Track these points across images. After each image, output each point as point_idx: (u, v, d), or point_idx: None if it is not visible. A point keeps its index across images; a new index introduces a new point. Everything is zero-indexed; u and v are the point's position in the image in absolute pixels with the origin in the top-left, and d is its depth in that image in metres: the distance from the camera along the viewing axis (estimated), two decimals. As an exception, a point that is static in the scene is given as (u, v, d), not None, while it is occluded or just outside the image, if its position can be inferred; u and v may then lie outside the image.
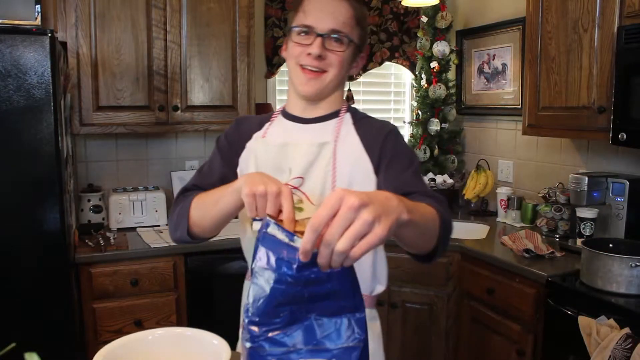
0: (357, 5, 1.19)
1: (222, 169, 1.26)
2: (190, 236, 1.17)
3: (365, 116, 1.28)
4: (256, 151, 1.23)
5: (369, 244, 0.64)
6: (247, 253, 1.25)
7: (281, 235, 0.71)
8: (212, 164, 1.28)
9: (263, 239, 0.72)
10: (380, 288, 1.25)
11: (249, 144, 1.25)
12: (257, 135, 1.26)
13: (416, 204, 0.85)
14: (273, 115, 1.30)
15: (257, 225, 0.80)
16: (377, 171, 1.17)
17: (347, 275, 0.72)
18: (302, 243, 0.65)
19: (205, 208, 1.12)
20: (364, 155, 1.18)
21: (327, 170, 1.15)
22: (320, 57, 1.14)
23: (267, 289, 0.73)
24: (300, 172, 1.16)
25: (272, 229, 0.72)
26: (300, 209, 1.13)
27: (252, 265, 0.76)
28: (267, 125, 1.27)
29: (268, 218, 0.74)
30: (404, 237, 0.86)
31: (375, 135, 1.19)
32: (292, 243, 0.70)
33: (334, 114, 1.25)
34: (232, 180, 1.08)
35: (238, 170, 1.25)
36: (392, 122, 1.29)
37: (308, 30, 1.15)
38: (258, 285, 0.74)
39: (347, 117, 1.24)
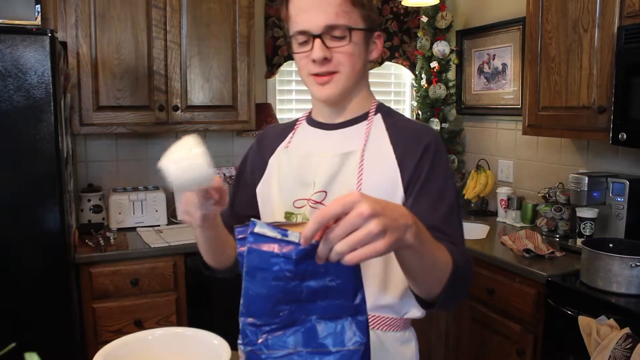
0: None
1: (234, 202, 1.23)
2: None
3: (399, 117, 1.15)
4: (279, 163, 1.15)
5: (365, 255, 0.64)
6: None
7: (271, 233, 0.71)
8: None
9: (251, 239, 0.72)
10: (415, 312, 1.09)
11: (271, 160, 1.17)
12: (280, 147, 1.18)
13: (435, 241, 0.81)
14: (297, 123, 1.21)
15: (238, 233, 0.79)
16: (405, 190, 1.03)
17: (346, 272, 0.72)
18: (303, 230, 0.67)
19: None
20: (394, 166, 1.04)
21: (352, 183, 1.04)
22: (325, 60, 1.02)
23: (265, 288, 0.73)
24: (324, 185, 1.07)
25: (260, 228, 0.71)
26: None
27: (240, 268, 0.75)
28: (290, 134, 1.19)
29: (252, 219, 0.74)
30: (405, 263, 0.82)
31: (412, 145, 1.04)
32: (285, 238, 0.70)
33: (362, 117, 1.12)
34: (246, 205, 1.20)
35: (259, 191, 1.18)
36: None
37: (304, 36, 1.03)
38: (254, 285, 0.73)
39: (377, 119, 1.11)
